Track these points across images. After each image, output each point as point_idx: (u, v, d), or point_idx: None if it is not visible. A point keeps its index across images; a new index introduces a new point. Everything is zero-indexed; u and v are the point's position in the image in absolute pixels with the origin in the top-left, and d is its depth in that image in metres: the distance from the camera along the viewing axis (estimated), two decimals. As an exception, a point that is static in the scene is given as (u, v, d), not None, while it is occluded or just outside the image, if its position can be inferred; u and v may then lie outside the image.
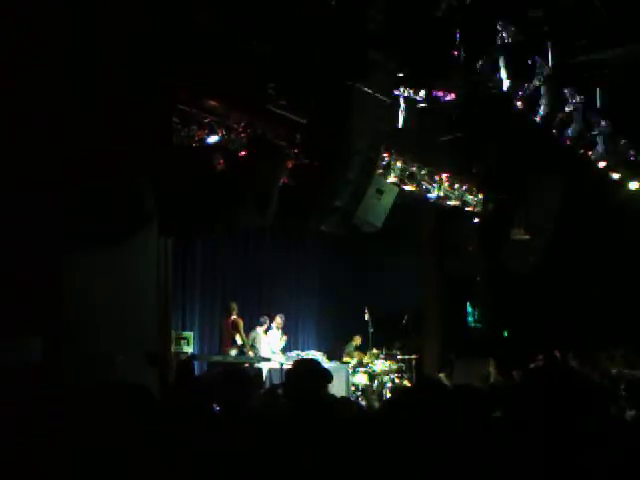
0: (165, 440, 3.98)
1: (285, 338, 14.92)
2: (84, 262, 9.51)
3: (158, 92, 9.47)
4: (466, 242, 16.34)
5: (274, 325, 14.71)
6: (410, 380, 15.40)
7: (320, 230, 11.87)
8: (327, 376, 4.96)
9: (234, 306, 14.10)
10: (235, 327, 13.78)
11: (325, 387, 4.95)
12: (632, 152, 13.72)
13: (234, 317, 13.85)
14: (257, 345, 14.22)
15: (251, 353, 13.73)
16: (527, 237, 15.76)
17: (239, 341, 13.66)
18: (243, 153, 11.03)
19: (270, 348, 14.31)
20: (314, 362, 5.72)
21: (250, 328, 14.46)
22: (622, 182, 14.63)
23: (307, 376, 4.76)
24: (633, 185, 14.47)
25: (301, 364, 5.66)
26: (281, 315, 14.95)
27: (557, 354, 14.15)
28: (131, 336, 10.04)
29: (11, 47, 8.28)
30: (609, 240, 15.84)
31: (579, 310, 16.15)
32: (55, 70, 8.65)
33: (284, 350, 14.83)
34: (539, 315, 16.59)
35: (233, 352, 13.52)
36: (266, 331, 14.57)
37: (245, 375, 5.40)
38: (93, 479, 3.73)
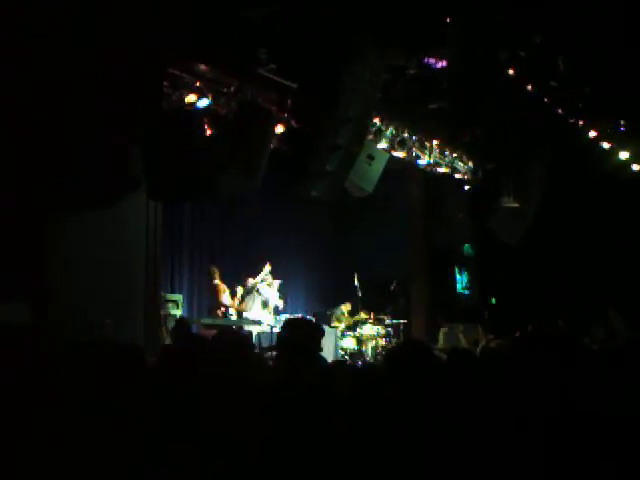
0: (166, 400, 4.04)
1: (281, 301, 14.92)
2: (71, 226, 9.54)
3: (148, 56, 9.43)
4: (455, 209, 16.36)
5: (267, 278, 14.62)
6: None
7: (310, 195, 11.85)
8: (321, 330, 5.00)
9: (214, 270, 14.05)
10: (215, 292, 13.83)
11: (319, 342, 4.98)
12: (622, 122, 13.74)
13: (215, 282, 13.85)
14: (249, 306, 14.26)
15: (234, 316, 13.74)
16: (517, 205, 15.79)
17: (224, 304, 13.69)
18: (233, 117, 11.01)
19: (265, 302, 14.35)
20: (305, 319, 5.82)
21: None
22: (612, 151, 14.65)
23: (301, 331, 4.77)
24: (623, 155, 14.50)
25: (292, 322, 5.64)
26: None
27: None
28: (120, 298, 10.11)
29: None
30: (598, 209, 15.89)
31: (568, 277, 16.23)
32: (47, 34, 8.60)
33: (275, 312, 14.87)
34: (528, 282, 16.69)
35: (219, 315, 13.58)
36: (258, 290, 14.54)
37: (240, 337, 5.41)
38: (88, 436, 3.79)
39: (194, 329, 13.18)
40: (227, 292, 13.81)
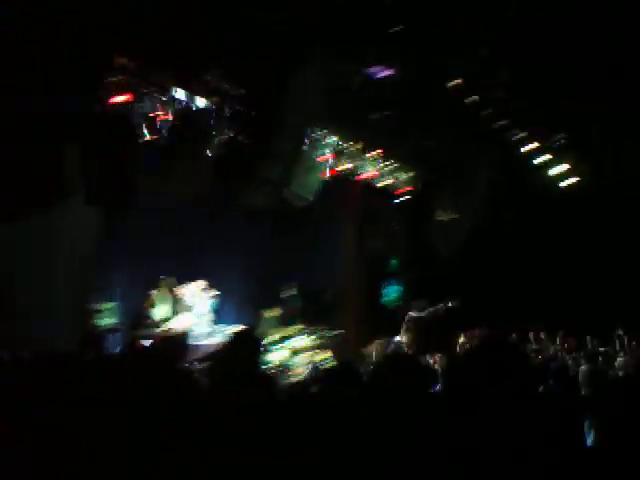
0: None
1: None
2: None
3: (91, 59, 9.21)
4: (391, 220, 16.35)
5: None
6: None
7: (249, 204, 11.69)
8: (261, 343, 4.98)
9: (165, 281, 13.78)
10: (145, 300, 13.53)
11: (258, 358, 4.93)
12: (561, 134, 13.91)
13: (151, 292, 13.54)
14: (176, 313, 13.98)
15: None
16: (453, 217, 15.85)
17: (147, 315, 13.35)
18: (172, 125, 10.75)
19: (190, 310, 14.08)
20: (248, 333, 5.69)
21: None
22: (547, 166, 14.82)
23: (245, 345, 4.69)
24: (561, 167, 14.69)
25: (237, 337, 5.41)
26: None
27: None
28: (45, 303, 9.87)
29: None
30: (536, 221, 16.06)
31: (503, 291, 16.30)
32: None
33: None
34: (462, 295, 16.70)
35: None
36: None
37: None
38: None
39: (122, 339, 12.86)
40: (157, 305, 13.46)
